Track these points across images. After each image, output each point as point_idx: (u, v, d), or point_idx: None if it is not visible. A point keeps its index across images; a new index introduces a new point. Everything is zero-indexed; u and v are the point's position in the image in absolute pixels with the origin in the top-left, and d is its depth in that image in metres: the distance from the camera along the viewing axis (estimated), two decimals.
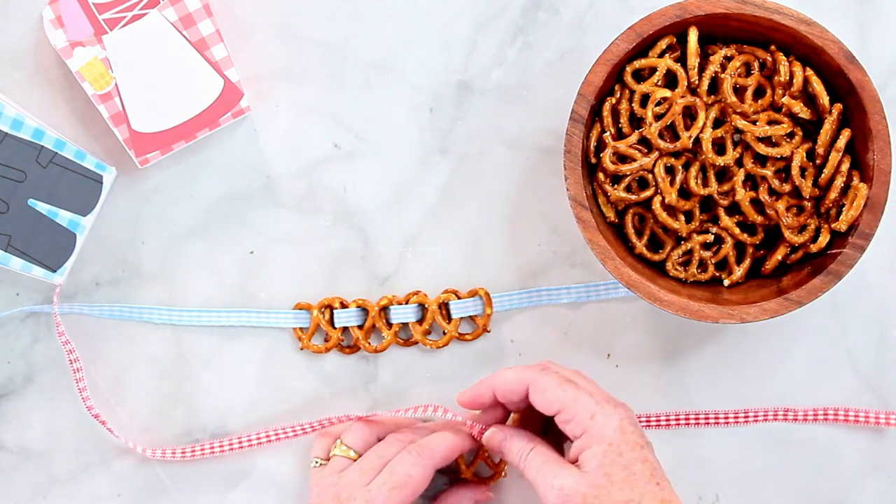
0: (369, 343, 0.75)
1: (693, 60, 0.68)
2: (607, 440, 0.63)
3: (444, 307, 0.75)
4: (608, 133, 0.69)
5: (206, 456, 0.74)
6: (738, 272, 0.70)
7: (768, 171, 0.68)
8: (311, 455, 0.72)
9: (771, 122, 0.68)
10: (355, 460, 0.70)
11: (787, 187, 0.68)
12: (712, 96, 0.69)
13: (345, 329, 0.75)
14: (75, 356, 0.73)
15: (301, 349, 0.75)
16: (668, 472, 0.65)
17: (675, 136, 0.69)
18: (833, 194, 0.67)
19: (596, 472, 0.63)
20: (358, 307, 0.74)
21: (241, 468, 0.75)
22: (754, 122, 0.68)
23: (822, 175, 0.67)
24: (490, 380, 0.68)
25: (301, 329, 0.75)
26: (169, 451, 0.74)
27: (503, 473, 0.74)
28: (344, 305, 0.75)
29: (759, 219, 0.69)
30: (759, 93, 0.69)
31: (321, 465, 0.71)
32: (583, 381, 0.67)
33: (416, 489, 0.67)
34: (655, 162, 0.68)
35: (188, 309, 0.75)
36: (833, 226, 0.67)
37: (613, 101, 0.69)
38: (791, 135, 0.68)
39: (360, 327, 0.75)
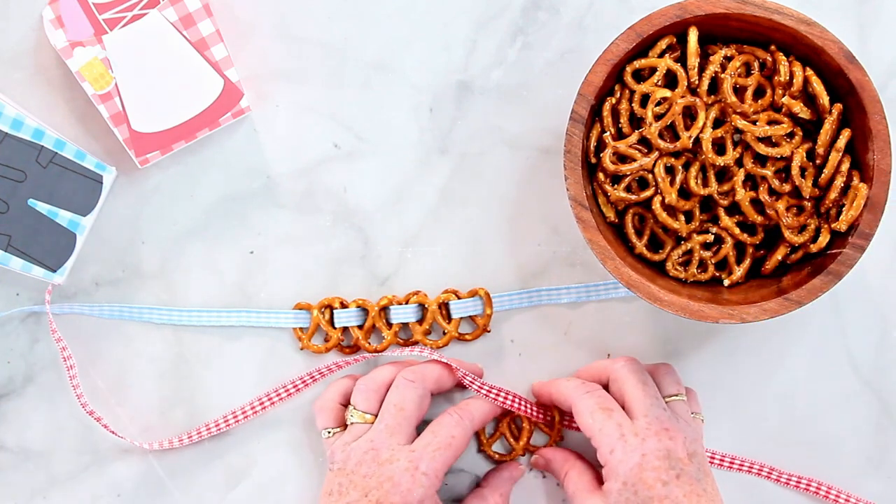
0: (369, 343, 0.75)
1: (693, 60, 0.68)
2: (622, 479, 0.64)
3: (444, 307, 0.75)
4: (608, 133, 0.69)
5: (204, 439, 0.74)
6: (738, 272, 0.70)
7: (768, 171, 0.68)
8: (319, 428, 0.72)
9: (771, 122, 0.68)
10: (373, 423, 0.70)
11: (787, 187, 0.68)
12: (712, 96, 0.69)
13: (345, 329, 0.75)
14: (68, 353, 0.73)
15: (301, 349, 0.75)
16: None
17: (675, 136, 0.69)
18: (833, 194, 0.67)
19: None
20: (358, 307, 0.75)
21: (241, 468, 0.75)
22: (754, 122, 0.68)
23: (822, 175, 0.67)
24: (550, 387, 0.72)
25: (301, 329, 0.75)
26: (166, 442, 0.74)
27: (524, 452, 0.75)
28: (344, 305, 0.75)
29: (759, 219, 0.69)
30: (759, 93, 0.69)
31: (336, 433, 0.71)
32: (620, 407, 0.68)
33: (458, 450, 0.68)
34: (655, 162, 0.68)
35: (188, 309, 0.75)
36: (833, 226, 0.67)
37: (613, 101, 0.69)
38: (791, 135, 0.68)
39: (360, 327, 0.75)
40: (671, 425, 0.66)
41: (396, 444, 0.67)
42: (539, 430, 0.75)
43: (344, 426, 0.71)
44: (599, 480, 0.68)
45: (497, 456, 0.74)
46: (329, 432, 0.71)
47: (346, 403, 0.72)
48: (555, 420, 0.74)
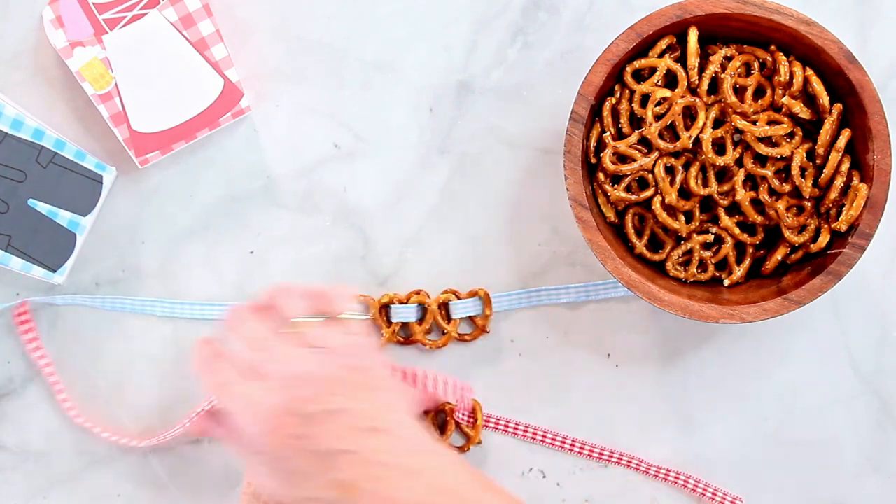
0: None
1: (693, 60, 0.68)
2: None
3: (443, 307, 0.75)
4: (608, 133, 0.69)
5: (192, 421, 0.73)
6: (738, 272, 0.70)
7: (768, 171, 0.68)
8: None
9: (771, 122, 0.68)
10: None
11: (787, 187, 0.68)
12: (712, 96, 0.69)
13: None
14: (51, 370, 0.73)
15: None
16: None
17: (675, 136, 0.69)
18: (833, 194, 0.67)
19: None
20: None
21: (241, 468, 0.75)
22: (754, 122, 0.68)
23: (822, 175, 0.68)
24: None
25: None
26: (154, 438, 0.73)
27: (478, 441, 0.74)
28: None
29: (759, 219, 0.69)
30: (759, 93, 0.69)
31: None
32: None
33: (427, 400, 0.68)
34: (655, 162, 0.69)
35: (189, 302, 0.75)
36: (833, 226, 0.67)
37: (613, 101, 0.69)
38: (791, 135, 0.68)
39: None
40: None
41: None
42: (459, 431, 0.75)
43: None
44: None
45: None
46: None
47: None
48: (477, 423, 0.74)
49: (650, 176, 0.69)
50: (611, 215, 0.70)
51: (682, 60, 0.69)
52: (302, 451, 0.57)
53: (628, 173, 0.69)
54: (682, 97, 0.68)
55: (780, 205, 0.68)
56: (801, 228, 0.69)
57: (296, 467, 0.58)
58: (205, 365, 0.61)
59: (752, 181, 0.69)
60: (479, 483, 0.59)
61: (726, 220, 0.69)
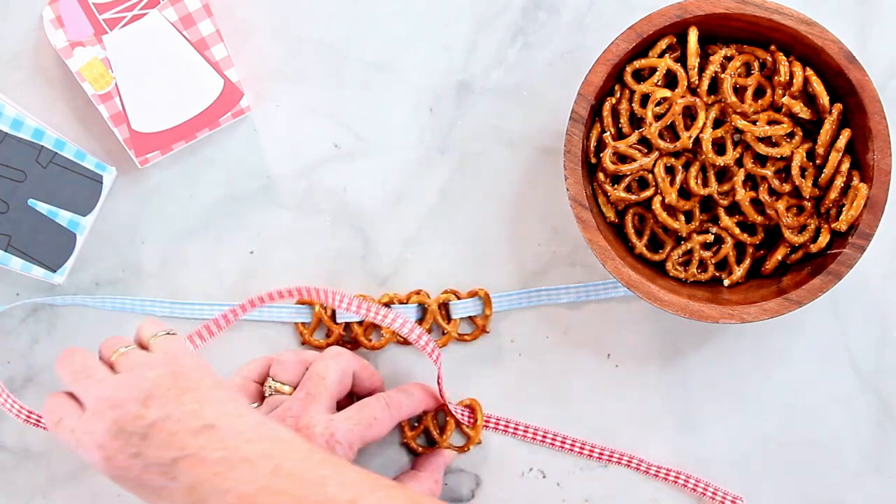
0: (369, 340, 0.75)
1: (693, 60, 0.68)
2: None
3: (443, 307, 0.75)
4: (608, 133, 0.69)
5: None
6: (738, 272, 0.70)
7: (768, 171, 0.68)
8: None
9: (771, 122, 0.68)
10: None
11: (787, 187, 0.68)
12: (712, 96, 0.69)
13: (346, 325, 0.75)
14: None
15: (302, 344, 0.75)
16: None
17: (675, 136, 0.69)
18: (833, 194, 0.67)
19: None
20: None
21: None
22: (754, 122, 0.68)
23: (822, 175, 0.68)
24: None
25: (303, 324, 0.75)
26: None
27: (478, 441, 0.74)
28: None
29: (759, 219, 0.69)
30: (759, 93, 0.69)
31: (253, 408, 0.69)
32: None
33: (377, 433, 0.67)
34: (655, 162, 0.69)
35: (189, 302, 0.75)
36: (833, 226, 0.67)
37: (613, 101, 0.69)
38: (791, 135, 0.68)
39: (361, 324, 0.75)
40: None
41: (315, 411, 0.66)
42: (459, 431, 0.75)
43: (261, 402, 0.70)
44: None
45: (420, 449, 0.74)
46: None
47: (261, 382, 0.71)
48: (477, 423, 0.74)
49: (650, 176, 0.69)
50: (611, 215, 0.70)
51: (682, 60, 0.69)
52: (143, 468, 0.58)
53: (628, 173, 0.69)
54: (682, 97, 0.68)
55: (780, 205, 0.68)
56: (801, 228, 0.69)
57: (146, 483, 0.58)
58: (47, 404, 0.62)
59: (752, 181, 0.69)
60: (318, 460, 0.59)
61: (726, 220, 0.69)
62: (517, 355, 0.75)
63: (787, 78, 0.68)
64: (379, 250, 0.75)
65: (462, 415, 0.74)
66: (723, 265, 0.71)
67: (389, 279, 0.75)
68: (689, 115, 0.69)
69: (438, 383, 0.71)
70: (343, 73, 0.75)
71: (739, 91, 0.69)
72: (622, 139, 0.69)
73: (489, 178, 0.75)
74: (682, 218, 0.69)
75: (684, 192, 0.69)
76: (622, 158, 0.69)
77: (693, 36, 0.68)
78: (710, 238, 0.70)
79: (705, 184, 0.69)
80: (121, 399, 0.59)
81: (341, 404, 0.69)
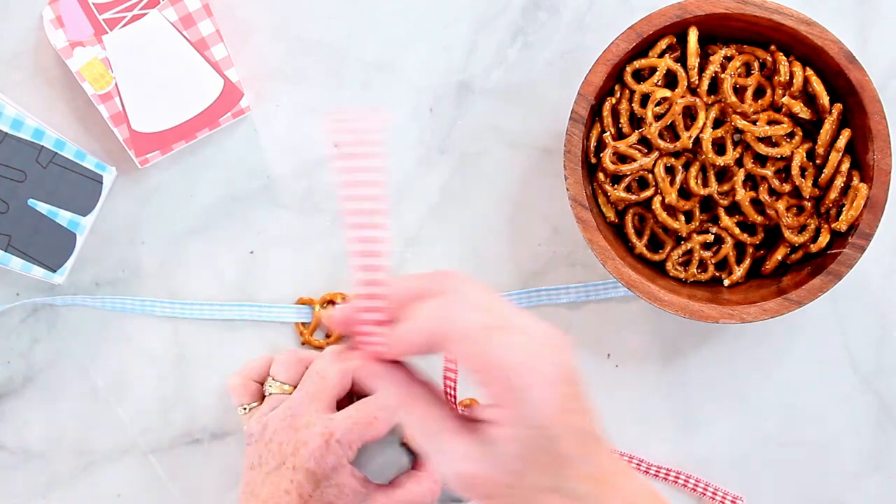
0: None
1: (693, 60, 0.68)
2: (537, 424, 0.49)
3: None
4: (608, 133, 0.69)
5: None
6: (738, 272, 0.70)
7: (768, 171, 0.68)
8: (234, 405, 0.70)
9: (771, 122, 0.68)
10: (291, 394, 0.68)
11: (787, 187, 0.68)
12: (712, 96, 0.69)
13: None
14: None
15: (302, 344, 0.75)
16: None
17: (675, 136, 0.69)
18: (833, 194, 0.67)
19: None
20: None
21: (241, 468, 0.75)
22: (754, 122, 0.68)
23: (822, 175, 0.68)
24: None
25: (303, 324, 0.75)
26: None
27: None
28: (346, 300, 0.75)
29: (759, 219, 0.69)
30: (759, 93, 0.69)
31: (253, 408, 0.70)
32: None
33: (376, 432, 0.66)
34: (655, 162, 0.69)
35: (190, 302, 0.75)
36: (833, 226, 0.67)
37: (613, 101, 0.69)
38: (791, 135, 0.68)
39: None
40: None
41: (315, 410, 0.66)
42: None
43: (261, 402, 0.70)
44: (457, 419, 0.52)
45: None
46: (245, 408, 0.70)
47: (261, 382, 0.71)
48: None
49: (650, 176, 0.69)
50: (611, 215, 0.70)
51: (682, 60, 0.69)
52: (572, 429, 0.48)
53: (628, 173, 0.69)
54: (682, 97, 0.68)
55: (780, 205, 0.68)
56: (801, 228, 0.69)
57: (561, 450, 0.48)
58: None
59: (752, 181, 0.69)
60: None
61: (726, 220, 0.69)
62: None
63: (787, 78, 0.68)
64: None
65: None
66: (723, 265, 0.71)
67: None
68: (689, 115, 0.69)
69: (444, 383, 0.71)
70: (343, 73, 0.75)
71: (739, 91, 0.69)
72: (622, 139, 0.69)
73: (489, 178, 0.75)
74: (682, 218, 0.69)
75: (684, 192, 0.69)
76: (622, 158, 0.69)
77: (693, 36, 0.68)
78: (710, 238, 0.70)
79: (705, 184, 0.69)
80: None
81: (341, 404, 0.69)
